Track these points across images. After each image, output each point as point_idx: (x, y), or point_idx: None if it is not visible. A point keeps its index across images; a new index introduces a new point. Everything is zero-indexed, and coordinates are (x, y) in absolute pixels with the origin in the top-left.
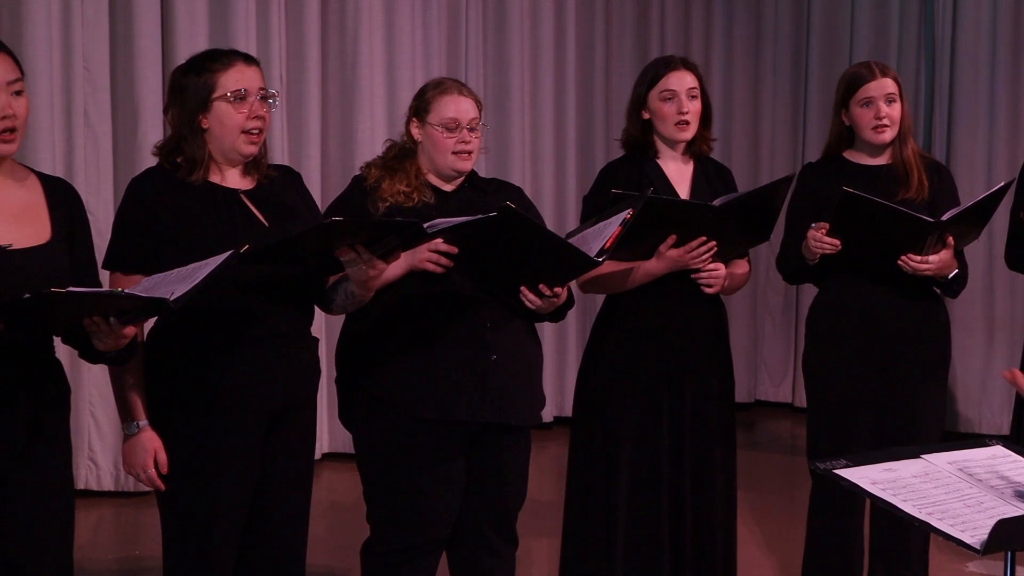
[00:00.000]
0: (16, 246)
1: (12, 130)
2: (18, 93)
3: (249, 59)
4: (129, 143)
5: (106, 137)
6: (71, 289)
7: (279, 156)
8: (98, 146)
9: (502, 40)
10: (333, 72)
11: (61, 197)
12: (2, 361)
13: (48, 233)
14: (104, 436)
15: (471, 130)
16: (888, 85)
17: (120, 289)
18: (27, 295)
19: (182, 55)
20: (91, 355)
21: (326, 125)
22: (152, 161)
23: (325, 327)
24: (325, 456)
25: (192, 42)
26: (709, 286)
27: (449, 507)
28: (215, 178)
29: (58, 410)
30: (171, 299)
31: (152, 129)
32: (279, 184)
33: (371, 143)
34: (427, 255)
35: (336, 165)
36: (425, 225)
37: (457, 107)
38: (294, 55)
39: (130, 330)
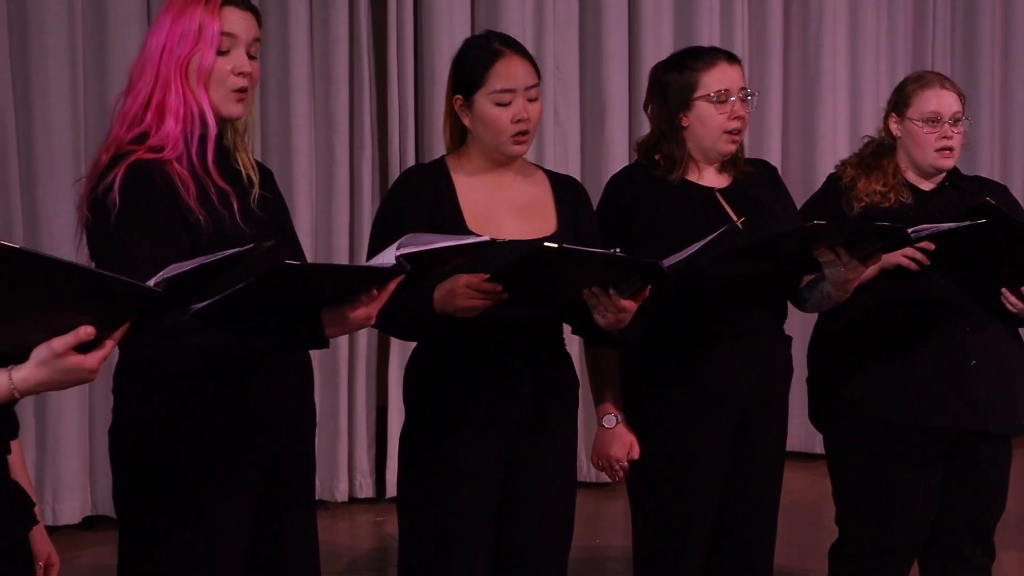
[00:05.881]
0: (523, 238)
1: (526, 132)
2: (532, 100)
3: (731, 58)
4: (596, 140)
5: (574, 134)
6: (565, 245)
7: None
8: (567, 143)
9: (971, 28)
10: (795, 66)
11: (567, 193)
12: (510, 343)
13: (553, 226)
14: None
15: (953, 124)
16: None
17: (614, 249)
18: (521, 254)
19: (648, 53)
20: (592, 336)
21: (787, 120)
22: (619, 158)
23: (797, 326)
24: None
25: (658, 40)
26: None
27: (922, 515)
28: (692, 176)
29: (563, 398)
30: (664, 264)
31: (619, 126)
32: (755, 180)
33: (832, 138)
34: (902, 250)
35: (796, 161)
36: (909, 230)
37: (939, 100)
38: (756, 50)
39: (630, 304)
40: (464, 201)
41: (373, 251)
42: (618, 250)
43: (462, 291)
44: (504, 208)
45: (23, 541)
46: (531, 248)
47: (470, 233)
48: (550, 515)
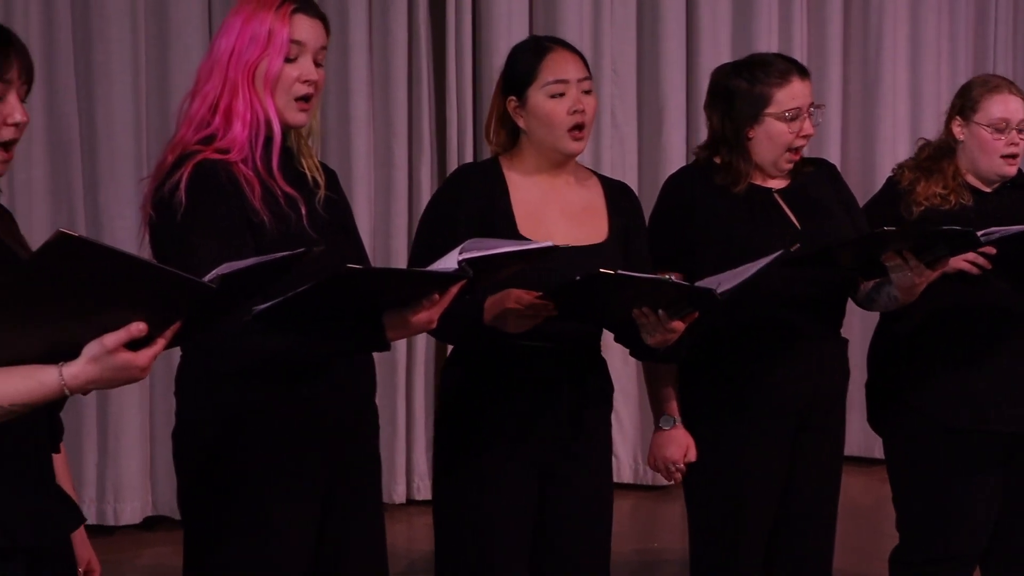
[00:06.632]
0: (573, 244)
1: (581, 127)
2: (586, 92)
3: (803, 72)
4: (653, 143)
5: (631, 137)
6: (621, 272)
7: None
8: (624, 146)
9: None
10: (855, 68)
11: (619, 199)
12: (549, 356)
13: (605, 233)
14: (624, 430)
15: (1020, 131)
16: None
17: (667, 276)
18: (577, 276)
19: (706, 56)
20: (637, 349)
21: (846, 123)
22: (676, 161)
23: (856, 328)
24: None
25: (715, 43)
26: None
27: (983, 520)
28: (752, 178)
29: (599, 406)
30: (717, 291)
31: (676, 130)
32: (814, 179)
33: (892, 141)
34: (965, 254)
35: (856, 164)
36: (980, 233)
37: (1007, 107)
38: (815, 53)
39: (678, 325)
40: (516, 201)
41: (422, 243)
42: (672, 276)
43: (512, 306)
44: (556, 211)
45: (67, 541)
46: (586, 273)
47: (519, 235)
48: (588, 520)
